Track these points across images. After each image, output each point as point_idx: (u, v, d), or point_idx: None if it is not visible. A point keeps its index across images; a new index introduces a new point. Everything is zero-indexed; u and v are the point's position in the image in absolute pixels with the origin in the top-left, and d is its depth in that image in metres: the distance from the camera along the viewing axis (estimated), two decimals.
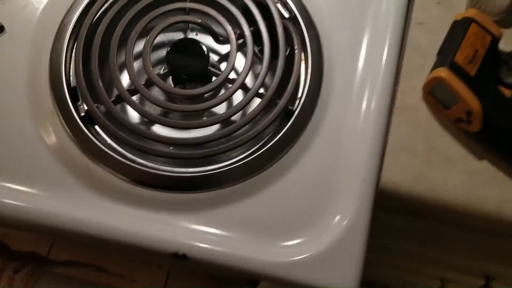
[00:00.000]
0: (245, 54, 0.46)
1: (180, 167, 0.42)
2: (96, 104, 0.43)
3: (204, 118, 0.47)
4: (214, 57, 0.50)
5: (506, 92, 0.43)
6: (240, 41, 0.46)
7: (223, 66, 0.50)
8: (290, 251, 0.39)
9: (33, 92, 0.44)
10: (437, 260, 0.68)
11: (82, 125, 0.42)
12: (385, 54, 0.47)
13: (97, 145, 0.41)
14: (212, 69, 0.47)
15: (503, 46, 0.46)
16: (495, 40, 0.44)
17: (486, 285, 0.66)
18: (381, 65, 0.46)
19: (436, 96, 0.44)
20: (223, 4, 0.47)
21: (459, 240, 0.54)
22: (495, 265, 0.64)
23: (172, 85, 0.48)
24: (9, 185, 0.42)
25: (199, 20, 0.47)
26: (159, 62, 0.50)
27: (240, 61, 0.48)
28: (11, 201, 0.41)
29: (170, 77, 0.48)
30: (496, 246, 0.56)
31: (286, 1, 0.48)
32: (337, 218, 0.40)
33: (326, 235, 0.39)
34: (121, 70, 0.47)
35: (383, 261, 0.70)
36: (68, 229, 0.41)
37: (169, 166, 0.43)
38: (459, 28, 0.45)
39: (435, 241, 0.57)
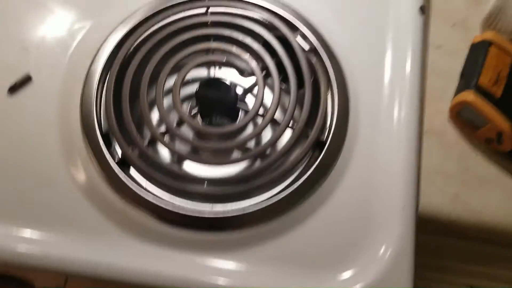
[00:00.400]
0: (269, 86, 0.47)
1: (215, 203, 0.42)
2: (130, 148, 0.43)
3: (235, 155, 0.47)
4: (239, 90, 0.51)
5: None
6: (264, 73, 0.47)
7: (248, 99, 0.50)
8: (339, 286, 0.39)
9: (66, 139, 0.45)
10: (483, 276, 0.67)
11: (117, 169, 0.42)
12: (408, 78, 0.47)
13: (133, 190, 0.41)
14: (240, 106, 0.47)
15: None
16: None
17: None
18: (405, 88, 0.47)
19: (464, 118, 0.45)
20: (244, 41, 0.48)
21: (503, 258, 0.54)
22: None
23: (200, 119, 0.48)
24: (47, 233, 0.41)
25: (224, 60, 0.47)
26: (186, 98, 0.50)
27: (265, 95, 0.49)
28: (47, 250, 0.41)
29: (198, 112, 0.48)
30: None
31: (305, 34, 0.49)
32: (383, 248, 0.40)
33: (374, 267, 0.39)
34: (150, 107, 0.47)
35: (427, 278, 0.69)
36: (109, 276, 0.40)
37: (206, 203, 0.42)
38: (479, 50, 0.46)
39: (478, 260, 0.56)
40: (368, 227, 0.42)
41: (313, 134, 0.44)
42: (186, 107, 0.49)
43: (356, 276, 0.39)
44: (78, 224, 0.42)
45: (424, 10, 0.49)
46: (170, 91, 0.47)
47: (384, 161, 0.44)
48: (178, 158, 0.46)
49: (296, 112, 0.46)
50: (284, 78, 0.47)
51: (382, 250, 0.40)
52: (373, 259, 0.39)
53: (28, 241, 0.41)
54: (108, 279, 0.41)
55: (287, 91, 0.46)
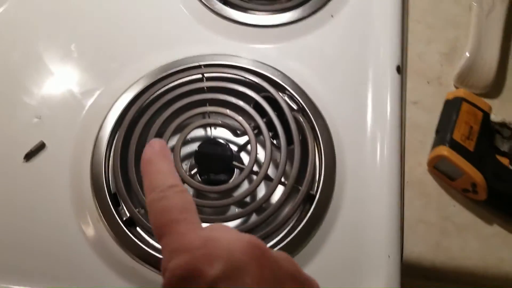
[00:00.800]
0: (260, 142, 0.52)
1: None
2: (137, 209, 0.47)
3: (231, 211, 0.51)
4: (233, 147, 0.55)
5: (503, 160, 0.48)
6: (256, 131, 0.51)
7: (242, 155, 0.55)
8: None
9: (77, 200, 0.49)
10: None
11: (125, 229, 0.46)
12: (388, 132, 0.52)
13: (141, 247, 0.45)
14: (235, 163, 0.52)
15: (493, 116, 0.51)
16: (486, 115, 0.50)
17: None
18: (386, 142, 0.51)
19: (440, 170, 0.49)
20: (237, 104, 0.52)
21: None
22: None
23: (199, 178, 0.52)
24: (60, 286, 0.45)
25: (220, 122, 0.52)
26: (186, 156, 0.55)
27: (258, 151, 0.53)
28: None
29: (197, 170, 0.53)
30: None
31: (293, 94, 0.54)
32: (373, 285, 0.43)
33: None
34: None
35: None
36: None
37: None
38: (452, 107, 0.50)
39: None
40: (357, 275, 0.45)
41: (303, 188, 0.48)
42: (186, 166, 0.53)
43: None
44: (89, 279, 0.46)
45: (400, 69, 0.54)
46: (172, 149, 0.51)
47: (370, 212, 0.48)
48: None
49: (287, 167, 0.50)
50: (274, 135, 0.52)
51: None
52: None
53: None
54: None
55: (279, 146, 0.51)
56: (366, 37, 0.57)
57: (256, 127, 0.52)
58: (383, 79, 0.54)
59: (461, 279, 0.48)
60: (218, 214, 0.51)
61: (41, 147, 0.52)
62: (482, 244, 0.47)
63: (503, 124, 0.51)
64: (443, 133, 0.49)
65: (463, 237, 0.47)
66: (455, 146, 0.47)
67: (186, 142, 0.55)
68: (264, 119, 0.52)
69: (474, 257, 0.46)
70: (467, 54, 0.53)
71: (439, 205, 0.49)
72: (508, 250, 0.47)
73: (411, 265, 0.47)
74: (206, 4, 0.59)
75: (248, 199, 0.51)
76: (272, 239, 0.47)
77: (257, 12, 0.59)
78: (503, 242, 0.47)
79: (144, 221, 0.47)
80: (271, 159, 0.50)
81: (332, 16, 0.59)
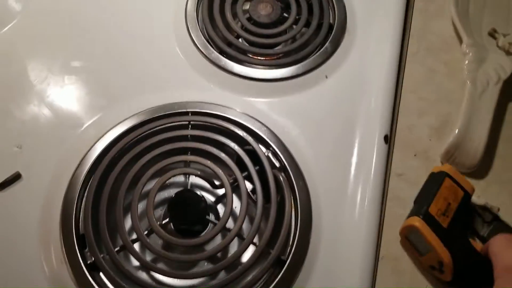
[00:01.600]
0: (239, 196, 0.51)
1: None
2: (102, 255, 0.46)
3: (200, 267, 0.50)
4: (210, 198, 0.54)
5: (476, 245, 0.46)
6: (235, 184, 0.51)
7: (219, 207, 0.54)
8: None
9: (45, 237, 0.48)
10: None
11: (87, 273, 0.45)
12: (367, 203, 0.51)
13: None
14: (209, 218, 0.50)
15: (477, 198, 0.50)
16: (467, 195, 0.49)
17: None
18: (365, 213, 0.50)
19: (411, 242, 0.47)
20: (219, 156, 0.52)
21: None
22: None
23: (172, 227, 0.51)
24: None
25: (199, 173, 0.51)
26: (161, 202, 0.54)
27: (235, 203, 0.52)
28: None
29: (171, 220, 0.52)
30: None
31: (276, 151, 0.53)
32: None
33: None
34: (126, 212, 0.50)
35: None
36: None
37: None
38: (435, 180, 0.49)
39: None
40: None
41: (274, 252, 0.47)
42: (161, 211, 0.52)
43: None
44: None
45: (387, 139, 0.53)
46: (147, 194, 0.51)
47: (341, 284, 0.47)
48: (146, 267, 0.48)
49: (262, 224, 0.49)
50: (254, 189, 0.51)
51: None
52: None
53: None
54: None
55: (255, 202, 0.50)
56: (358, 103, 0.57)
57: (236, 180, 0.51)
58: (369, 147, 0.53)
59: None
60: (185, 269, 0.49)
61: (16, 177, 0.51)
62: None
63: (485, 208, 0.49)
64: (419, 204, 0.48)
65: None
66: (429, 219, 0.46)
67: (163, 187, 0.54)
68: (245, 174, 0.51)
69: None
70: (456, 132, 0.52)
71: (411, 283, 0.47)
72: None
73: None
74: (203, 51, 0.60)
75: (219, 254, 0.50)
76: None
77: (252, 65, 0.59)
78: None
79: (107, 267, 0.45)
80: (245, 216, 0.49)
81: (326, 77, 0.59)
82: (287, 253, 0.48)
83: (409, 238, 0.48)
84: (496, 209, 0.49)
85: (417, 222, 0.46)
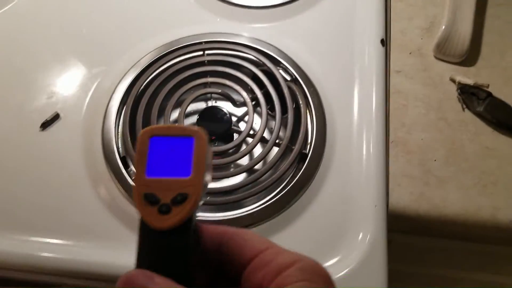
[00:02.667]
0: (258, 113, 0.56)
1: (216, 213, 0.50)
2: None
3: (231, 169, 0.55)
4: (233, 118, 0.60)
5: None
6: (253, 102, 0.56)
7: (241, 124, 0.59)
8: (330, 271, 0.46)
9: (90, 164, 0.53)
10: (453, 281, 0.73)
11: None
12: (374, 98, 0.56)
13: None
14: (234, 128, 0.56)
15: (467, 79, 0.56)
16: None
17: None
18: (372, 107, 0.56)
19: None
20: (236, 75, 0.57)
21: (469, 255, 0.61)
22: (507, 278, 0.69)
23: None
24: (77, 243, 0.49)
25: (220, 91, 0.57)
26: None
27: (255, 120, 0.58)
28: (78, 256, 0.48)
29: None
30: (503, 257, 0.63)
31: (287, 67, 0.59)
32: (360, 236, 0.47)
33: (354, 253, 0.46)
34: None
35: None
36: None
37: (208, 213, 0.50)
38: None
39: (448, 261, 0.64)
40: (348, 222, 0.49)
41: (296, 147, 0.53)
42: None
43: (341, 262, 0.46)
44: (104, 233, 0.50)
45: (384, 42, 0.59)
46: (175, 122, 0.56)
47: (358, 168, 0.52)
48: None
49: (281, 133, 0.54)
50: (270, 108, 0.56)
51: (360, 238, 0.47)
52: (354, 247, 0.47)
53: (61, 248, 0.49)
54: None
55: (274, 117, 0.55)
56: (353, 16, 0.62)
57: (254, 99, 0.56)
58: (369, 51, 0.59)
59: (444, 229, 0.52)
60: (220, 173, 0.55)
61: (55, 117, 0.56)
62: (462, 194, 0.51)
63: (476, 87, 0.55)
64: None
65: (444, 188, 0.52)
66: None
67: (188, 114, 0.59)
68: (262, 91, 0.56)
69: (455, 206, 0.51)
70: (443, 27, 0.58)
71: (421, 161, 0.53)
72: (486, 199, 0.51)
73: (397, 215, 0.51)
74: None
75: (246, 161, 0.56)
76: (270, 193, 0.51)
77: None
78: (481, 193, 0.51)
79: None
80: (267, 123, 0.54)
81: None
82: (308, 148, 0.54)
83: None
84: (486, 85, 0.55)
85: None
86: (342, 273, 0.46)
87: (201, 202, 0.25)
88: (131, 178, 0.51)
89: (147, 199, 0.24)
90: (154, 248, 0.23)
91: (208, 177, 0.25)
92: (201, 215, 0.50)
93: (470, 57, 0.59)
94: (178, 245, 0.23)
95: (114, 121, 0.55)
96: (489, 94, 0.55)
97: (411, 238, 0.57)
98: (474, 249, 0.59)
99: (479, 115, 0.55)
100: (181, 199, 0.23)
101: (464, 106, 0.56)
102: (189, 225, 0.24)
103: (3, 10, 0.66)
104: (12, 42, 0.63)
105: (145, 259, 0.23)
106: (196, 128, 0.25)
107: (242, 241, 0.24)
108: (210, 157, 0.25)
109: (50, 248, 0.49)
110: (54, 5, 0.66)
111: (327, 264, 0.47)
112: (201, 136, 0.24)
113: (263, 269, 0.23)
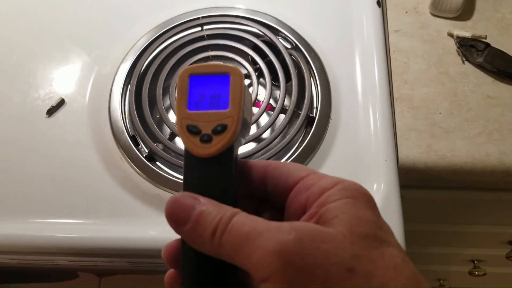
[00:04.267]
0: (262, 84, 0.57)
1: None
2: (155, 144, 0.52)
3: None
4: None
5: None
6: (257, 73, 0.57)
7: None
8: None
9: (101, 145, 0.54)
10: (463, 236, 0.75)
11: (148, 163, 0.51)
12: (375, 58, 0.57)
13: (165, 176, 0.50)
14: None
15: (464, 32, 0.56)
16: None
17: None
18: (374, 67, 0.56)
19: None
20: (237, 47, 0.58)
21: (478, 205, 0.62)
22: None
23: None
24: (96, 220, 0.50)
25: (222, 63, 0.57)
26: None
27: (259, 91, 0.58)
28: (99, 233, 0.49)
29: None
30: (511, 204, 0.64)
31: (287, 35, 0.59)
32: (375, 186, 0.48)
33: None
34: (166, 111, 0.56)
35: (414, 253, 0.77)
36: (152, 247, 0.48)
37: None
38: None
39: (458, 215, 0.65)
40: (360, 180, 0.49)
41: (303, 112, 0.53)
42: None
43: None
44: (120, 211, 0.50)
45: (380, 3, 0.59)
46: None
47: (366, 126, 0.53)
48: None
49: (286, 101, 0.55)
50: (273, 78, 0.57)
51: (375, 188, 0.48)
52: None
53: (79, 228, 0.49)
54: (150, 252, 0.49)
55: (278, 87, 0.56)
56: None
57: (257, 70, 0.57)
58: (366, 13, 0.59)
59: (453, 178, 0.53)
60: None
61: (61, 103, 0.56)
62: (468, 143, 0.52)
63: (474, 39, 0.56)
64: None
65: (451, 139, 0.52)
66: None
67: None
68: (264, 61, 0.57)
69: (462, 154, 0.52)
70: None
71: (427, 114, 0.54)
72: (493, 145, 0.52)
73: (407, 168, 0.52)
74: None
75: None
76: (281, 157, 0.52)
77: None
78: (486, 140, 0.52)
79: (164, 153, 0.51)
80: (272, 94, 0.55)
81: None
82: (315, 111, 0.54)
83: None
84: (483, 37, 0.56)
85: None
86: None
87: (243, 141, 0.27)
88: (142, 156, 0.52)
89: (189, 130, 0.25)
90: (198, 175, 0.25)
91: (247, 113, 0.26)
92: None
93: (465, 11, 0.59)
94: (221, 171, 0.24)
95: (120, 101, 0.55)
96: (488, 45, 0.56)
97: (421, 193, 0.58)
98: (483, 199, 0.60)
99: (479, 66, 0.56)
100: (221, 129, 0.24)
101: (464, 59, 0.57)
102: (230, 154, 0.25)
103: None
104: (10, 33, 0.63)
105: (190, 185, 0.25)
106: (231, 65, 0.26)
107: (285, 170, 0.25)
108: (249, 95, 0.27)
109: (68, 228, 0.49)
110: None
111: None
112: (237, 73, 0.25)
113: (306, 192, 0.24)
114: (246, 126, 0.26)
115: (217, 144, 0.24)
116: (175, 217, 0.23)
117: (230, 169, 0.25)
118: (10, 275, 0.66)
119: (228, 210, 0.22)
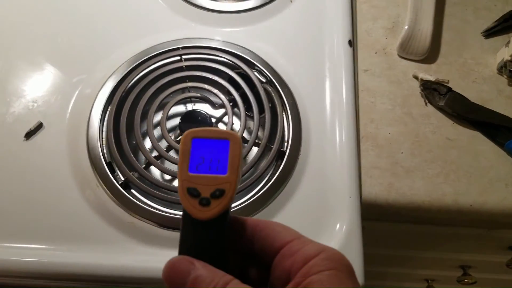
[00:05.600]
0: (236, 114, 0.59)
1: None
2: (131, 172, 0.54)
3: None
4: (212, 120, 0.62)
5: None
6: (231, 104, 0.59)
7: (220, 125, 0.62)
8: None
9: (77, 170, 0.55)
10: (420, 260, 0.79)
11: (123, 190, 0.53)
12: (344, 96, 0.60)
13: (139, 205, 0.52)
14: None
15: (428, 76, 0.60)
16: None
17: (464, 275, 0.77)
18: (343, 104, 0.60)
19: None
20: (213, 79, 0.60)
21: (434, 237, 0.66)
22: (468, 255, 0.76)
23: None
24: (69, 246, 0.51)
25: (199, 95, 0.59)
26: (169, 130, 0.62)
27: (233, 120, 0.60)
28: (69, 259, 0.50)
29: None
30: (464, 237, 0.69)
31: (261, 69, 0.62)
32: (337, 226, 0.51)
33: (332, 242, 0.50)
34: (143, 138, 0.58)
35: (373, 271, 0.81)
36: (122, 275, 0.50)
37: None
38: None
39: (415, 243, 0.69)
40: (325, 214, 0.53)
41: (275, 146, 0.56)
42: (172, 135, 0.60)
43: None
44: (94, 237, 0.52)
45: (351, 43, 0.63)
46: (157, 125, 0.58)
47: (332, 162, 0.56)
48: (168, 176, 0.57)
49: (259, 133, 0.58)
50: (247, 108, 0.59)
51: (337, 227, 0.51)
52: (332, 237, 0.51)
53: (52, 253, 0.51)
54: (121, 279, 0.51)
55: (251, 117, 0.58)
56: (321, 18, 0.65)
57: (231, 100, 0.59)
58: (337, 52, 0.62)
59: (411, 214, 0.57)
60: None
61: (39, 126, 0.58)
62: (427, 182, 0.56)
63: (437, 83, 0.60)
64: None
65: (411, 178, 0.56)
66: None
67: (169, 118, 0.61)
68: (238, 92, 0.59)
69: (421, 193, 0.56)
70: (406, 27, 0.62)
71: (390, 153, 0.58)
72: (449, 186, 0.56)
73: (369, 204, 0.55)
74: None
75: None
76: (251, 190, 0.55)
77: (224, 1, 0.67)
78: (444, 181, 0.56)
79: (139, 182, 0.53)
80: (246, 124, 0.58)
81: (291, 1, 0.67)
82: (286, 146, 0.57)
83: None
84: (446, 81, 0.60)
85: None
86: None
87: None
88: (117, 183, 0.54)
89: (189, 193, 0.27)
90: (194, 237, 0.27)
91: (240, 175, 0.28)
92: None
93: (431, 55, 0.63)
94: (216, 234, 0.27)
95: (98, 127, 0.57)
96: (449, 89, 0.60)
97: (382, 225, 0.62)
98: (439, 232, 0.64)
99: (440, 109, 0.60)
100: (219, 194, 0.27)
101: (427, 101, 0.60)
102: (225, 216, 0.27)
103: None
104: None
105: (186, 247, 0.27)
106: (232, 132, 0.28)
107: (272, 232, 0.27)
108: (242, 158, 0.29)
109: (40, 253, 0.51)
110: (28, 15, 0.66)
111: None
112: (236, 140, 0.28)
113: (290, 258, 0.26)
114: (238, 185, 0.29)
115: (215, 208, 0.26)
116: (172, 282, 0.25)
117: (224, 232, 0.27)
118: None
119: (222, 277, 0.24)
